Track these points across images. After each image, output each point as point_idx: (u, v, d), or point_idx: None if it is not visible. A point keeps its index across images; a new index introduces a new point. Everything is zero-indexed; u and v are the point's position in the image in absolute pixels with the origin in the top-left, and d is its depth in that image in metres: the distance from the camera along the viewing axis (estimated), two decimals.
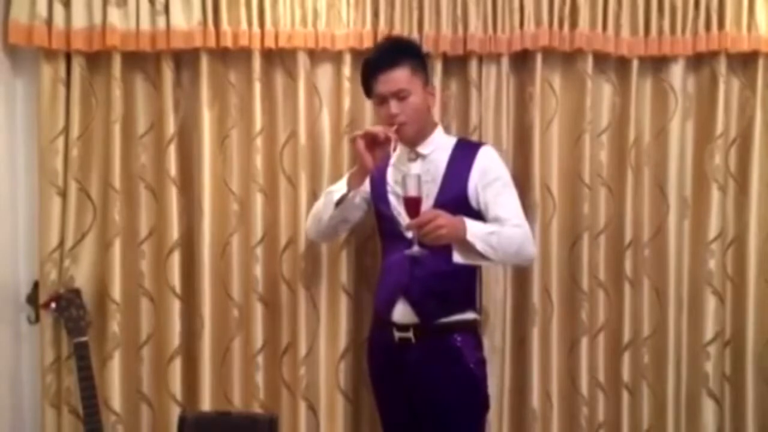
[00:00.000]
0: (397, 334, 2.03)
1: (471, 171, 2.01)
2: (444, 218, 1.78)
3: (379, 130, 1.97)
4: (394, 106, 1.98)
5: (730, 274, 2.53)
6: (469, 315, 2.07)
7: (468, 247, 1.85)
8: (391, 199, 2.10)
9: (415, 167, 2.03)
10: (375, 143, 1.97)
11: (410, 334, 2.02)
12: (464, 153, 2.06)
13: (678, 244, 2.49)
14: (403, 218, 1.94)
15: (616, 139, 2.49)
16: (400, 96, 1.98)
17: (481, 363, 2.06)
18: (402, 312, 2.03)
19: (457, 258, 1.87)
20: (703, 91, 2.51)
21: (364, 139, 1.97)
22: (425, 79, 2.08)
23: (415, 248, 1.84)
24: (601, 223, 2.49)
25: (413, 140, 2.06)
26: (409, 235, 1.87)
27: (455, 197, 1.99)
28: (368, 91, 2.08)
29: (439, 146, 2.08)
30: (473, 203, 2.00)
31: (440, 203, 1.95)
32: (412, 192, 1.80)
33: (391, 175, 2.13)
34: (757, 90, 2.47)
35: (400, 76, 1.99)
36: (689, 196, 2.50)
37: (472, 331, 2.08)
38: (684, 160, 2.49)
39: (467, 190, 2.00)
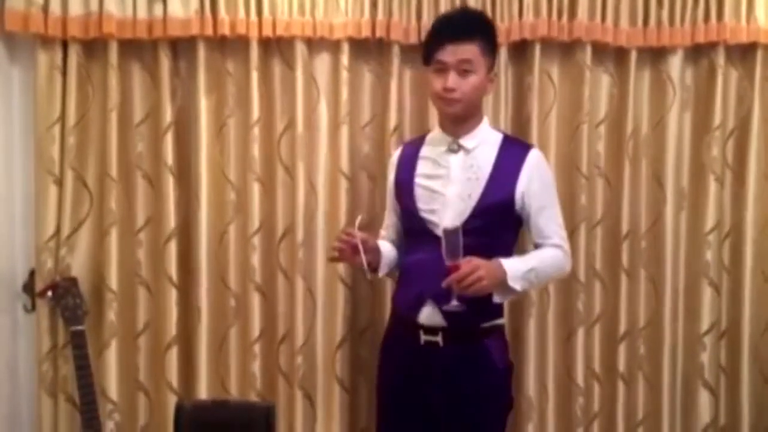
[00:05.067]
0: (423, 337, 1.91)
1: (519, 175, 1.90)
2: (483, 269, 1.73)
3: (338, 245, 1.87)
4: (453, 79, 1.86)
5: (726, 265, 2.53)
6: (498, 320, 1.97)
7: (508, 288, 1.84)
8: (417, 192, 1.96)
9: (456, 172, 1.92)
10: (354, 249, 1.84)
11: (438, 338, 1.90)
12: (512, 154, 1.94)
13: (675, 235, 2.49)
14: (429, 216, 1.91)
15: (614, 130, 2.49)
16: (463, 69, 1.86)
17: (510, 366, 2.01)
18: (429, 315, 1.90)
19: (497, 299, 1.89)
20: (701, 82, 2.50)
21: (340, 252, 1.88)
22: (491, 64, 1.94)
23: (454, 302, 1.78)
24: (598, 214, 2.49)
25: (456, 124, 1.94)
26: (439, 232, 1.79)
27: (500, 201, 1.90)
28: (427, 57, 1.92)
29: (484, 141, 1.95)
30: (517, 208, 1.92)
31: (484, 205, 1.87)
32: (454, 254, 1.72)
33: (420, 166, 1.99)
34: (756, 81, 2.47)
35: (468, 51, 1.86)
36: (686, 187, 2.50)
37: (501, 335, 2.00)
38: (681, 151, 2.50)
39: (514, 195, 1.90)
